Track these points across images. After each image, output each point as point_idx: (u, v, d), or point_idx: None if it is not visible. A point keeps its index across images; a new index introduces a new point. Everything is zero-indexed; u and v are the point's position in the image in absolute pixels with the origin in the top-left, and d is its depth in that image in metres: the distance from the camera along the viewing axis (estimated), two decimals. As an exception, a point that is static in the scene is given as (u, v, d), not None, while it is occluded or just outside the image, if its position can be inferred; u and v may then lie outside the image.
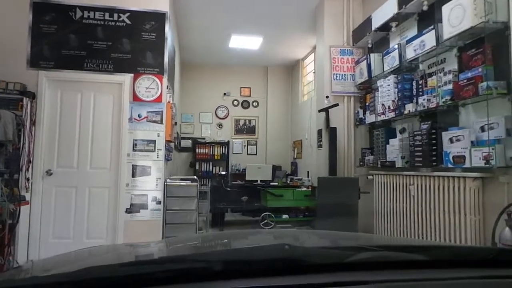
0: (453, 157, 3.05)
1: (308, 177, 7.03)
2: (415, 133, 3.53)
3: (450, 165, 3.09)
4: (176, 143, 6.83)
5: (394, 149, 3.92)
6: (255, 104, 8.75)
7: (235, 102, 8.68)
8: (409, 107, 3.65)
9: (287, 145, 8.61)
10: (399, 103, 3.82)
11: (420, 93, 3.57)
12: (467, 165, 2.92)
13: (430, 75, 3.55)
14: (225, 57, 7.84)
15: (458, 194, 3.01)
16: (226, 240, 1.12)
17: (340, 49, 5.01)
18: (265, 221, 4.78)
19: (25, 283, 0.64)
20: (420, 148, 3.43)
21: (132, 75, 4.16)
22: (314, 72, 7.34)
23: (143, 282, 0.56)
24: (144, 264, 0.71)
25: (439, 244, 1.57)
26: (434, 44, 3.30)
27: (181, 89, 8.01)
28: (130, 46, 4.18)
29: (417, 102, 3.58)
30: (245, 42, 6.94)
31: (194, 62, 8.27)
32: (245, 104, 8.73)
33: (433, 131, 3.34)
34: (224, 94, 8.60)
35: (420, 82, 3.60)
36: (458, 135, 3.02)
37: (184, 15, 5.92)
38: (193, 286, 0.56)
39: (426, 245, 1.15)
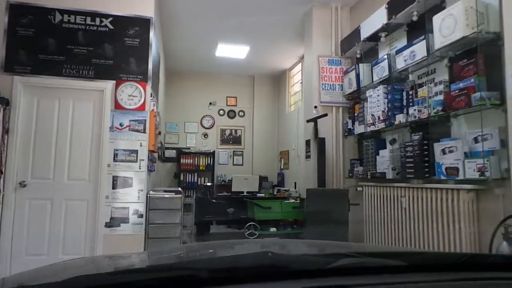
0: (446, 168, 2.98)
1: (295, 188, 6.92)
2: (406, 144, 3.47)
3: (443, 177, 3.02)
4: (160, 153, 6.63)
5: (384, 160, 3.84)
6: (241, 114, 8.63)
7: (221, 112, 8.54)
8: (400, 118, 3.59)
9: (273, 155, 8.50)
10: (389, 114, 3.76)
11: (411, 104, 3.51)
12: (460, 177, 2.85)
13: (421, 85, 3.51)
14: (211, 65, 7.73)
15: (452, 206, 2.93)
16: (211, 250, 1.13)
17: (329, 59, 4.96)
18: (250, 231, 4.62)
19: None
20: (412, 160, 3.36)
21: (114, 82, 3.98)
22: (301, 82, 7.30)
23: None
24: (131, 273, 0.70)
25: (416, 251, 1.65)
26: (425, 54, 3.26)
27: (165, 98, 7.83)
28: (113, 52, 4.01)
29: (407, 113, 3.53)
30: (232, 51, 6.85)
31: (180, 70, 8.12)
32: (231, 114, 8.60)
33: (425, 142, 3.28)
34: (210, 103, 8.46)
35: (411, 92, 3.55)
36: (451, 146, 2.96)
37: (170, 22, 5.80)
38: None
39: (403, 251, 1.23)
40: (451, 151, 2.96)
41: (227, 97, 8.58)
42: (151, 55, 4.12)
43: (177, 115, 8.25)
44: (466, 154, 2.86)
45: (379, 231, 3.91)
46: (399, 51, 3.64)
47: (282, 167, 8.04)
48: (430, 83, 3.38)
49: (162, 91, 6.94)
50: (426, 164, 3.23)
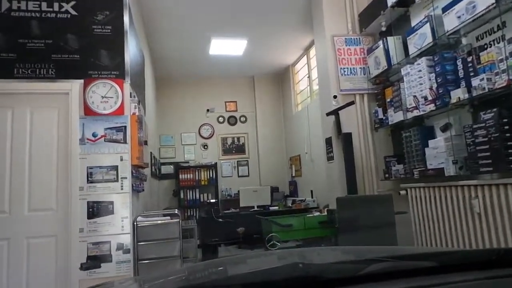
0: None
1: (312, 198, 6.02)
2: (474, 127, 2.57)
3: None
4: (153, 170, 5.73)
5: (438, 152, 2.95)
6: (242, 119, 7.77)
7: (221, 119, 7.68)
8: (458, 94, 2.71)
9: (283, 162, 7.60)
10: (440, 91, 2.88)
11: (472, 74, 2.63)
12: None
13: (483, 48, 2.63)
14: (205, 67, 6.89)
15: None
16: (241, 263, 1.11)
17: (346, 38, 4.10)
18: (272, 242, 3.72)
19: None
20: (487, 147, 2.46)
21: (82, 81, 3.11)
22: (308, 77, 6.46)
23: None
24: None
25: (448, 250, 1.55)
26: (493, 1, 2.39)
27: (157, 108, 6.98)
28: (78, 44, 3.15)
29: (469, 86, 2.64)
30: (228, 47, 6.01)
31: (171, 76, 7.28)
32: (232, 120, 7.74)
33: (504, 120, 2.38)
34: (208, 110, 7.61)
35: (469, 59, 2.67)
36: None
37: (154, 19, 4.98)
38: None
39: (434, 251, 1.17)
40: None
41: (225, 102, 7.74)
42: (127, 44, 3.26)
43: (172, 126, 7.40)
44: None
45: (438, 244, 2.99)
46: (447, 8, 2.78)
47: (293, 175, 7.14)
48: (498, 42, 2.51)
49: (152, 101, 6.09)
50: (511, 151, 2.33)
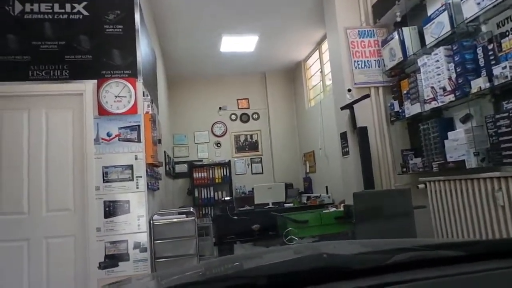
0: None
1: (327, 194, 5.95)
2: (497, 117, 2.48)
3: None
4: (168, 169, 5.76)
5: (458, 144, 2.86)
6: (255, 116, 7.73)
7: (233, 117, 7.66)
8: (479, 83, 2.61)
9: (296, 159, 7.54)
10: (460, 81, 2.79)
11: (493, 62, 2.54)
12: None
13: (504, 34, 2.53)
14: (216, 65, 6.87)
15: None
16: (257, 258, 1.09)
17: (359, 31, 4.02)
18: (289, 236, 3.68)
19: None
20: (511, 137, 2.37)
21: (95, 81, 3.12)
22: (320, 72, 6.38)
23: None
24: (191, 285, 0.71)
25: (471, 240, 1.53)
26: (515, -15, 2.29)
27: (170, 107, 7.01)
28: (90, 44, 3.16)
29: (490, 75, 2.55)
30: (239, 44, 5.97)
31: (183, 75, 7.29)
32: (244, 118, 7.71)
33: (529, 110, 2.29)
34: (220, 108, 7.59)
35: (490, 47, 2.57)
36: None
37: (165, 19, 4.98)
38: None
39: (458, 242, 1.16)
40: None
41: (237, 99, 7.71)
42: (139, 43, 3.26)
43: (185, 125, 7.41)
44: None
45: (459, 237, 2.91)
46: (466, -6, 2.68)
47: (307, 171, 7.08)
48: (521, 29, 2.41)
49: (165, 100, 6.12)
50: (537, 141, 2.24)
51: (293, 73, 7.66)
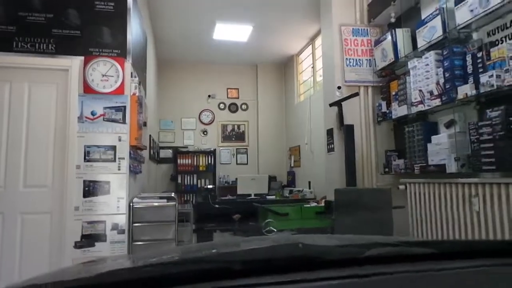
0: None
1: (310, 188, 6.00)
2: (480, 124, 2.53)
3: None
4: (152, 153, 5.70)
5: (441, 148, 2.91)
6: (244, 107, 7.70)
7: (222, 105, 7.61)
8: (465, 90, 2.65)
9: (282, 152, 7.56)
10: (447, 86, 2.82)
11: (481, 70, 2.58)
12: None
13: (494, 43, 2.58)
14: (208, 52, 6.79)
15: None
16: (235, 246, 1.04)
17: (353, 29, 4.02)
18: (269, 227, 3.72)
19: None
20: (491, 145, 2.42)
21: (82, 58, 3.05)
22: (312, 67, 6.38)
23: (163, 283, 0.56)
24: (163, 265, 0.68)
25: (448, 240, 1.72)
26: (508, -5, 2.32)
27: (158, 91, 6.91)
28: (79, 19, 3.08)
29: (477, 82, 2.59)
30: (232, 32, 5.91)
31: (173, 59, 7.19)
32: (233, 108, 7.67)
33: (511, 119, 2.34)
34: (209, 96, 7.53)
35: (479, 55, 2.61)
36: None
37: (158, 0, 4.88)
38: (211, 284, 0.57)
39: (437, 241, 1.31)
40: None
41: (227, 88, 7.65)
42: (130, 23, 3.19)
43: (173, 110, 7.33)
44: None
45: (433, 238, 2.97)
46: (460, 0, 2.70)
47: (292, 165, 7.11)
48: (510, 39, 2.45)
49: (153, 83, 6.02)
50: (516, 150, 2.29)
51: (285, 67, 7.64)
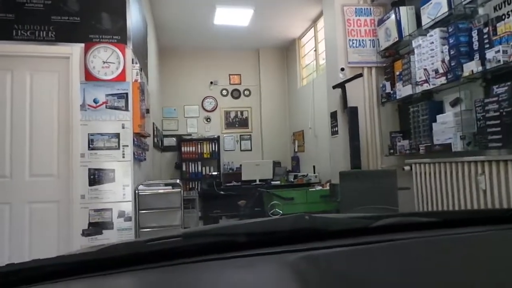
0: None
1: (314, 173, 5.99)
2: (486, 101, 2.49)
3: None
4: (156, 141, 5.70)
5: (446, 127, 2.88)
6: (246, 93, 7.65)
7: (224, 92, 7.56)
8: (471, 66, 2.61)
9: (286, 137, 7.54)
10: (453, 64, 2.78)
11: (487, 46, 2.52)
12: None
13: (500, 18, 2.52)
14: (210, 38, 6.72)
15: None
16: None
17: (356, 8, 3.95)
18: (274, 209, 3.75)
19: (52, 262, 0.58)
20: (498, 122, 2.39)
21: (83, 45, 3.02)
22: (314, 50, 6.30)
23: (168, 256, 0.57)
24: (167, 239, 0.65)
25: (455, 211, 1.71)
26: (515, -33, 2.25)
27: (160, 79, 6.87)
28: (79, 6, 3.04)
29: (483, 59, 2.54)
30: (233, 16, 5.83)
31: (175, 46, 7.12)
32: (236, 94, 7.62)
33: (518, 95, 2.30)
34: (211, 83, 7.48)
35: (485, 30, 2.56)
36: None
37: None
38: (218, 256, 0.57)
39: (440, 211, 1.30)
40: None
41: (229, 74, 7.59)
42: (130, 8, 3.15)
43: (175, 98, 7.30)
44: None
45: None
46: (466, -25, 2.64)
47: (296, 150, 7.09)
48: (518, 13, 2.39)
49: (154, 70, 5.98)
50: (523, 126, 2.26)
51: (287, 51, 7.56)
